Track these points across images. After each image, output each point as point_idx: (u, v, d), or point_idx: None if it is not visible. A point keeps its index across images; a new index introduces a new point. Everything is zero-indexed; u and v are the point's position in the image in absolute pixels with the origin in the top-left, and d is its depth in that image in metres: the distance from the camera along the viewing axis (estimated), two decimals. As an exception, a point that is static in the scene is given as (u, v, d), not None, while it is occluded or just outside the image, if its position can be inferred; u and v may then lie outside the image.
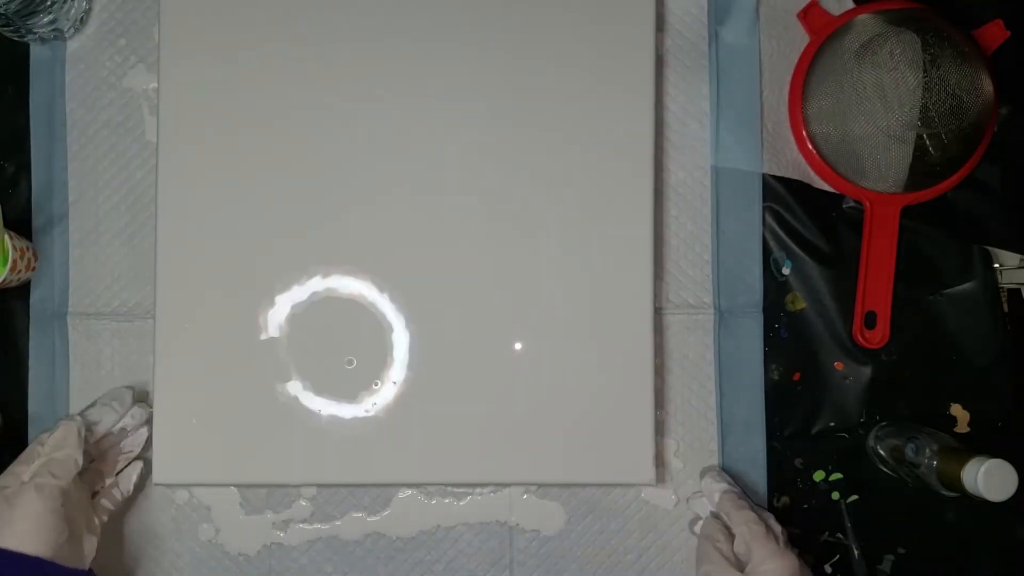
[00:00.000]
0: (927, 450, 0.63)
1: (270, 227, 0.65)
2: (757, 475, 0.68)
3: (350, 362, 0.64)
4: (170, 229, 0.64)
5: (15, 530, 0.53)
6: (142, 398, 0.66)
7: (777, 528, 0.61)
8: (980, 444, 0.66)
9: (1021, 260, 0.70)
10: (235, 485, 0.67)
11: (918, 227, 0.70)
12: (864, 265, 0.69)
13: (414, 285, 0.65)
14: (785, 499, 0.69)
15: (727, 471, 0.68)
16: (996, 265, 0.70)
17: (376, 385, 0.64)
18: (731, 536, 0.62)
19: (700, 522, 0.66)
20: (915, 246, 0.70)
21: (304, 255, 0.64)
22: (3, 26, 0.65)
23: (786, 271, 0.70)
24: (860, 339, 0.69)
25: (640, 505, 0.68)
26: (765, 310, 0.69)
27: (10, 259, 0.62)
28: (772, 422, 0.69)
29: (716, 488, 0.65)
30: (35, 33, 0.66)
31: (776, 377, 0.69)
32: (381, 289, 0.64)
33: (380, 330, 0.64)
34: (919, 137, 0.65)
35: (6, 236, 0.61)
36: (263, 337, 0.64)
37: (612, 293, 0.65)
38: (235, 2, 0.65)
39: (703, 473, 0.67)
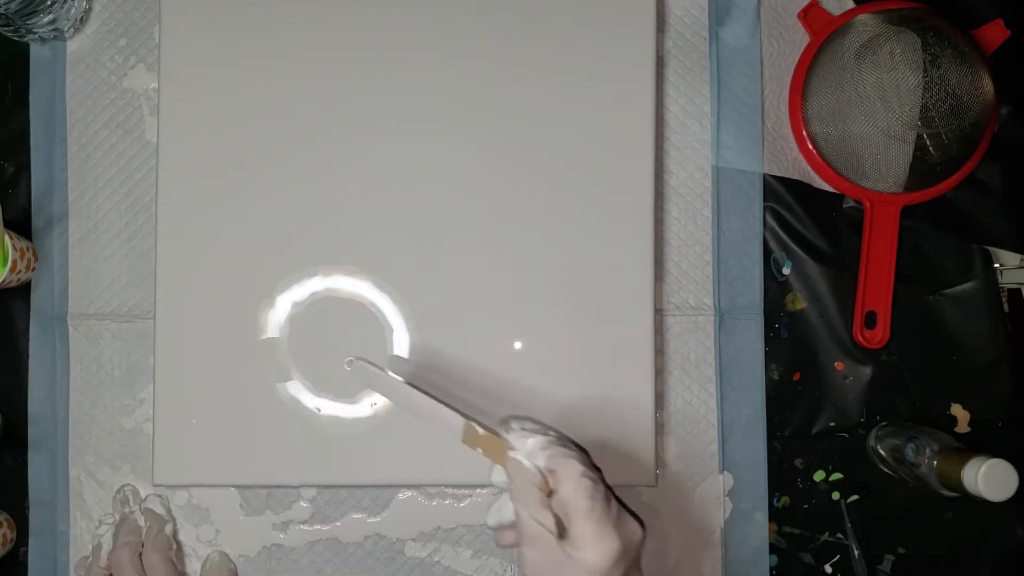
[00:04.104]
0: (927, 450, 0.63)
1: (270, 227, 0.65)
2: (757, 475, 0.68)
3: (351, 363, 0.64)
4: (170, 229, 0.64)
5: None
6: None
7: (596, 493, 0.48)
8: (980, 444, 0.66)
9: (1021, 260, 0.70)
10: (235, 486, 0.67)
11: (918, 227, 0.70)
12: (864, 265, 0.69)
13: (414, 286, 0.64)
14: (785, 499, 0.69)
15: (729, 472, 0.68)
16: (996, 265, 0.70)
17: (376, 385, 0.64)
18: (547, 485, 0.50)
19: (495, 468, 0.53)
20: (915, 246, 0.70)
21: (304, 255, 0.64)
22: (3, 26, 0.65)
23: (786, 271, 0.70)
24: (860, 339, 0.69)
25: (640, 507, 0.68)
26: (765, 310, 0.69)
27: (10, 259, 0.62)
28: (772, 422, 0.69)
29: (530, 443, 0.50)
30: (35, 33, 0.66)
31: (776, 377, 0.69)
32: (382, 290, 0.64)
33: (380, 331, 0.64)
34: (919, 137, 0.65)
35: (6, 236, 0.61)
36: (263, 337, 0.64)
37: (613, 294, 0.65)
38: (235, 2, 0.65)
39: (504, 428, 0.52)
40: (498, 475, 0.52)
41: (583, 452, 0.51)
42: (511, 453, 0.50)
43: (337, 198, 0.65)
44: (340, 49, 0.65)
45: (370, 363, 0.58)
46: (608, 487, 0.50)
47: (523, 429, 0.51)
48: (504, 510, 0.51)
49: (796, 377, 0.70)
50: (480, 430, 0.52)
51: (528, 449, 0.50)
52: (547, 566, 0.47)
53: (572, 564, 0.47)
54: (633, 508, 0.67)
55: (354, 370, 0.58)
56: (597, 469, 0.51)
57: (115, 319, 0.68)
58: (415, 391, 0.56)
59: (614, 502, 0.49)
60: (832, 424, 0.69)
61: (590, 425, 0.64)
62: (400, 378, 0.57)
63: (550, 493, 0.49)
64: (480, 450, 0.52)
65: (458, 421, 0.53)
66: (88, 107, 0.69)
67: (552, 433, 0.51)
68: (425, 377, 0.64)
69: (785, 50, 0.70)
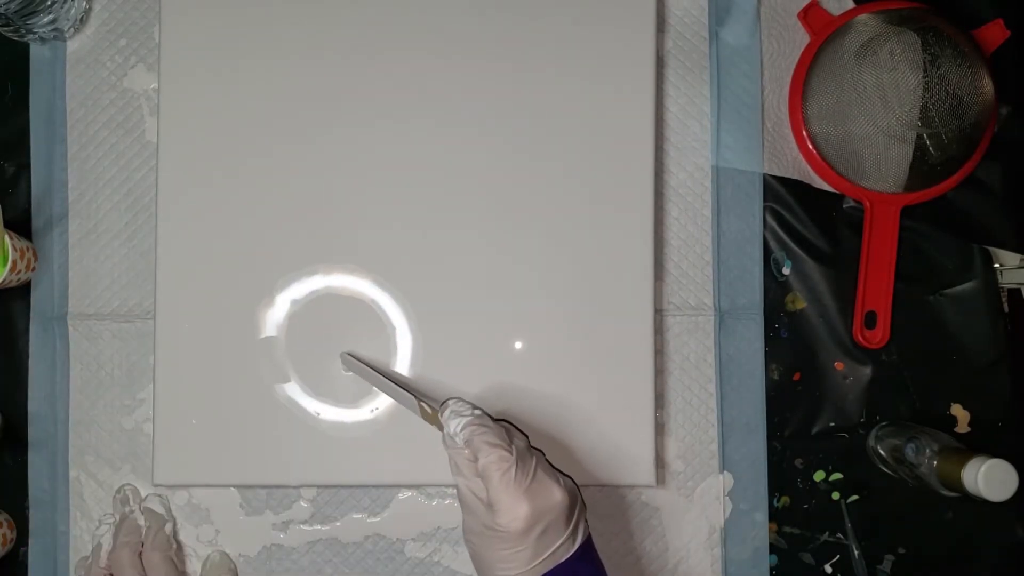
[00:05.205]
0: (927, 450, 0.63)
1: (270, 227, 0.65)
2: (757, 475, 0.68)
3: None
4: (170, 229, 0.64)
5: None
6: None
7: (504, 463, 0.52)
8: (980, 444, 0.66)
9: (1021, 260, 0.70)
10: (235, 486, 0.67)
11: (918, 227, 0.70)
12: (864, 265, 0.69)
13: (414, 285, 0.64)
14: (785, 499, 0.69)
15: (729, 472, 0.68)
16: (996, 265, 0.70)
17: (376, 385, 0.64)
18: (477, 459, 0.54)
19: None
20: (915, 246, 0.70)
21: (304, 255, 0.64)
22: (3, 26, 0.65)
23: (786, 271, 0.70)
24: (860, 339, 0.69)
25: (640, 507, 0.68)
26: (765, 310, 0.69)
27: (10, 259, 0.62)
28: (772, 422, 0.69)
29: (459, 423, 0.55)
30: (35, 33, 0.66)
31: (776, 377, 0.69)
32: (382, 289, 0.64)
33: (380, 331, 0.64)
34: (919, 137, 0.65)
35: (6, 236, 0.61)
36: (263, 337, 0.64)
37: (613, 294, 0.65)
38: (235, 2, 0.65)
39: (442, 409, 0.56)
40: None
41: (504, 427, 0.56)
42: (444, 432, 0.55)
43: (337, 198, 0.65)
44: (340, 49, 0.65)
45: (355, 357, 0.63)
46: (534, 455, 0.54)
47: (452, 410, 0.56)
48: None
49: (796, 377, 0.70)
50: (428, 409, 0.58)
51: (453, 428, 0.55)
52: (480, 530, 0.53)
53: (490, 527, 0.52)
54: (633, 508, 0.68)
55: (343, 361, 0.64)
56: (525, 436, 0.57)
57: (115, 319, 0.68)
58: (384, 378, 0.61)
59: (533, 469, 0.53)
60: (832, 424, 0.69)
61: (590, 425, 0.64)
62: (371, 369, 0.62)
63: None
64: (435, 427, 0.57)
65: (414, 402, 0.59)
66: (88, 107, 0.69)
67: (476, 412, 0.56)
68: (425, 376, 0.64)
69: (785, 50, 0.70)
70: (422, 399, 0.58)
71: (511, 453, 0.53)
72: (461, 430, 0.54)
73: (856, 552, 0.69)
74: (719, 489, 0.68)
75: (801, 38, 0.70)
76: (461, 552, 0.67)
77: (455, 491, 0.67)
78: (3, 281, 0.62)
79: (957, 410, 0.70)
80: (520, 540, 0.51)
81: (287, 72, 0.65)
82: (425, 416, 0.58)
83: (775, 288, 0.70)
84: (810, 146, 0.69)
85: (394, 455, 0.64)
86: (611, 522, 0.68)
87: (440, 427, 0.56)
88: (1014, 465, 0.58)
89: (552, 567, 0.52)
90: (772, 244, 0.70)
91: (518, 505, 0.51)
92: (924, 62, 0.64)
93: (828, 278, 0.70)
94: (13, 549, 0.67)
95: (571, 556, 0.53)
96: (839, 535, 0.69)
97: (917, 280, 0.70)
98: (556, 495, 0.53)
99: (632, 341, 0.65)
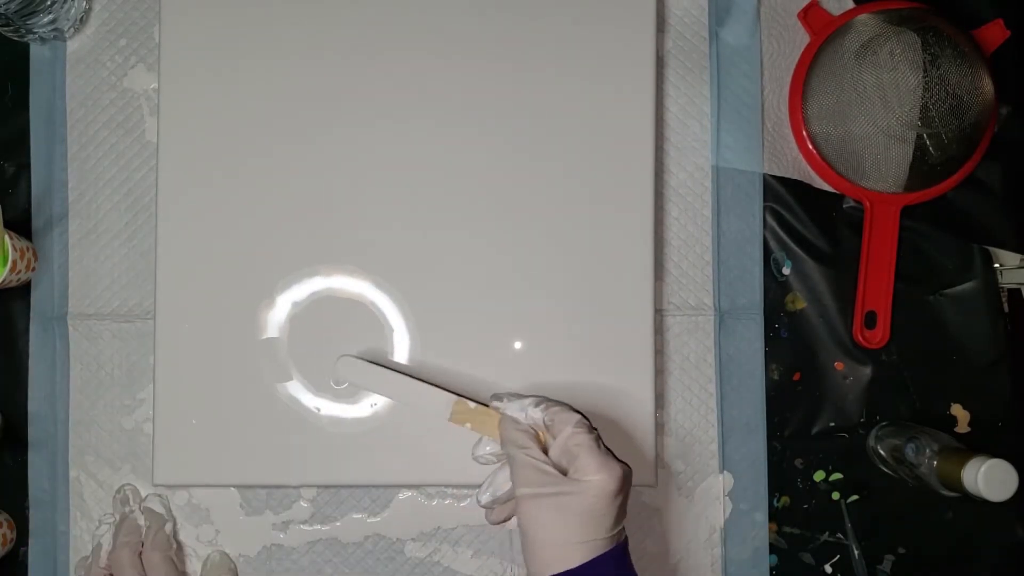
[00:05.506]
0: (927, 450, 0.63)
1: (270, 227, 0.65)
2: (757, 475, 0.68)
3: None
4: (170, 229, 0.64)
5: None
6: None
7: (593, 431, 0.55)
8: (980, 444, 0.66)
9: (1021, 260, 0.70)
10: (235, 486, 0.67)
11: (918, 227, 0.70)
12: (864, 265, 0.69)
13: (415, 286, 0.65)
14: (785, 499, 0.69)
15: (729, 472, 0.68)
16: (996, 265, 0.70)
17: (376, 385, 0.64)
18: (539, 440, 0.56)
19: (480, 441, 0.60)
20: (915, 246, 0.70)
21: (304, 255, 0.64)
22: (3, 26, 0.65)
23: (786, 271, 0.70)
24: (860, 339, 0.69)
25: (640, 507, 0.68)
26: (765, 310, 0.69)
27: (10, 259, 0.62)
28: (772, 422, 0.69)
29: (529, 400, 0.57)
30: (35, 33, 0.66)
31: (776, 377, 0.69)
32: (382, 290, 0.64)
33: (380, 330, 0.64)
34: (919, 137, 0.65)
35: (6, 236, 0.61)
36: (263, 337, 0.64)
37: (613, 294, 0.65)
38: (235, 2, 0.65)
39: (493, 399, 0.60)
40: (483, 447, 0.59)
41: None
42: (505, 412, 0.57)
43: (337, 198, 0.65)
44: (340, 49, 0.65)
45: (359, 358, 0.62)
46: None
47: (508, 395, 0.59)
48: (497, 482, 0.57)
49: (796, 377, 0.70)
50: (471, 404, 0.59)
51: (519, 408, 0.57)
52: (547, 499, 0.52)
53: (577, 493, 0.51)
54: (633, 508, 0.68)
55: (343, 368, 0.61)
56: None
57: (115, 319, 0.68)
58: (405, 378, 0.61)
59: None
60: (832, 424, 0.69)
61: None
62: (387, 368, 0.62)
63: (543, 448, 0.55)
64: (468, 425, 0.59)
65: (447, 400, 0.60)
66: (88, 107, 0.69)
67: (534, 397, 0.58)
68: (424, 376, 0.64)
69: (785, 50, 0.70)
70: (461, 395, 0.59)
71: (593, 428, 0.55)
72: (536, 407, 0.56)
73: (856, 552, 0.69)
74: (719, 489, 0.68)
75: (801, 38, 0.70)
76: (461, 552, 0.67)
77: (454, 491, 0.67)
78: (3, 281, 0.62)
79: (957, 410, 0.70)
80: (610, 502, 0.52)
81: (287, 72, 0.65)
82: (459, 415, 0.59)
83: (775, 288, 0.70)
84: (810, 146, 0.69)
85: (394, 455, 0.64)
86: (611, 522, 0.68)
87: (474, 423, 0.58)
88: (1014, 465, 0.58)
89: (613, 546, 0.52)
90: (772, 244, 0.70)
91: (614, 465, 0.52)
92: (924, 62, 0.64)
93: (828, 278, 0.70)
94: (13, 549, 0.67)
95: (624, 541, 0.54)
96: (839, 535, 0.69)
97: (917, 280, 0.70)
98: (628, 468, 0.54)
99: (632, 341, 0.65)
